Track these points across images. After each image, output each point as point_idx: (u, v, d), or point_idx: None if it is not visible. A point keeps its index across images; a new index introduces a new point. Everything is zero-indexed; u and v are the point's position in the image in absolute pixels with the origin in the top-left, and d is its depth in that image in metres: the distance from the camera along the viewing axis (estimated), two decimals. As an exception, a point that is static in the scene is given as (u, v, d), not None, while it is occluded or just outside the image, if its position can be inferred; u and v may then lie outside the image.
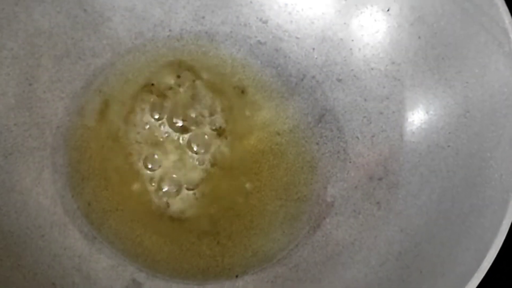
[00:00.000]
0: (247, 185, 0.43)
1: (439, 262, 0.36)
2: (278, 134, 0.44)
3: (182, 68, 0.45)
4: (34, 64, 0.42)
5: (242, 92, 0.44)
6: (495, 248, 0.33)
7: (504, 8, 0.38)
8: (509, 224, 0.34)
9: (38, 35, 0.42)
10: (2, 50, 0.41)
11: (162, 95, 0.44)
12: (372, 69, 0.44)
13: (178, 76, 0.45)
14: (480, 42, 0.39)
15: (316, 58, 0.45)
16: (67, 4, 0.43)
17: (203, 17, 0.45)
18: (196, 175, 0.42)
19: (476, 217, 0.36)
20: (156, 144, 0.43)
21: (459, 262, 0.35)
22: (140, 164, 0.42)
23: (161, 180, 0.42)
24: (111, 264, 0.40)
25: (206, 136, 0.43)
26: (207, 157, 0.43)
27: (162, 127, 0.43)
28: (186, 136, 0.43)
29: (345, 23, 0.44)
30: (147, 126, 0.43)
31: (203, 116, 0.44)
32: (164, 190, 0.42)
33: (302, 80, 0.45)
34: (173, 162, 0.43)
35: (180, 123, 0.43)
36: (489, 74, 0.38)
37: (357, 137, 0.43)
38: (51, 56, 0.43)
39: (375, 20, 0.44)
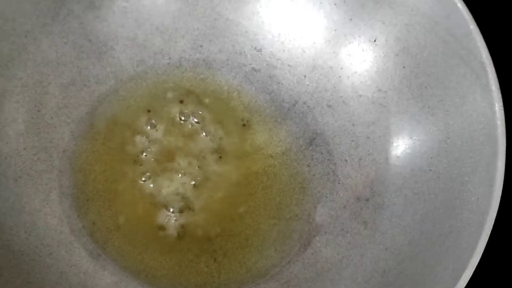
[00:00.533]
0: (242, 206, 0.44)
1: (420, 280, 0.38)
2: (271, 156, 0.46)
3: (183, 94, 0.47)
4: (42, 92, 0.44)
5: (244, 125, 0.46)
6: (471, 267, 0.35)
7: (481, 43, 0.39)
8: (484, 245, 0.36)
9: (46, 64, 0.44)
10: (12, 80, 0.43)
11: (164, 121, 0.46)
12: (360, 96, 0.46)
13: (181, 101, 0.46)
14: (460, 73, 0.40)
15: (308, 84, 0.47)
16: (73, 35, 0.45)
17: (201, 46, 0.47)
18: (195, 196, 0.44)
19: (455, 238, 0.38)
20: (158, 166, 0.45)
21: (438, 280, 0.37)
22: (142, 185, 0.44)
23: (162, 200, 0.44)
24: (114, 280, 0.41)
25: (204, 158, 0.45)
26: (205, 179, 0.45)
27: (163, 148, 0.45)
28: (186, 157, 0.45)
29: (334, 52, 0.46)
30: (149, 149, 0.45)
31: (203, 138, 0.46)
32: (165, 210, 0.44)
33: (294, 105, 0.47)
34: (173, 183, 0.44)
35: (181, 145, 0.45)
36: (468, 104, 0.40)
37: (346, 160, 0.45)
38: (58, 84, 0.45)
39: (362, 50, 0.45)
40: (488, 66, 0.39)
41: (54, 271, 0.40)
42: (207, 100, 0.47)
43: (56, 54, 0.45)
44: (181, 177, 0.45)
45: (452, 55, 0.41)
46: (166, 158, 0.45)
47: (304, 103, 0.47)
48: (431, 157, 0.42)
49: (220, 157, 0.46)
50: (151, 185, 0.44)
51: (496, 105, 0.38)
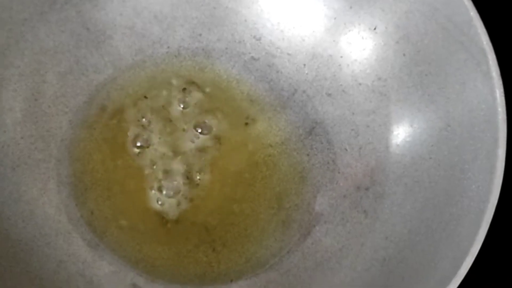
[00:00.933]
0: (241, 196, 0.44)
1: (420, 268, 0.38)
2: (271, 146, 0.46)
3: (182, 83, 0.46)
4: (40, 81, 0.44)
5: (243, 114, 0.46)
6: (471, 256, 0.35)
7: (482, 29, 0.39)
8: (485, 233, 0.35)
9: (44, 53, 0.44)
10: (9, 68, 0.43)
11: (162, 109, 0.46)
12: (359, 84, 0.45)
13: (179, 90, 0.46)
14: (460, 60, 0.40)
15: (307, 73, 0.47)
16: (71, 23, 0.45)
17: (200, 35, 0.47)
18: (194, 185, 0.44)
19: (455, 226, 0.37)
20: (157, 155, 0.45)
21: (438, 269, 0.36)
22: (141, 175, 0.44)
23: (160, 189, 0.44)
24: (112, 269, 0.41)
25: (203, 148, 0.45)
26: (204, 168, 0.45)
27: (161, 138, 0.45)
28: (185, 146, 0.45)
29: (334, 41, 0.46)
30: (148, 138, 0.45)
31: (202, 128, 0.45)
32: (164, 199, 0.43)
33: (294, 94, 0.47)
34: (172, 173, 0.44)
35: (179, 135, 0.45)
36: (468, 91, 0.40)
37: (346, 149, 0.45)
38: (55, 72, 0.44)
39: (362, 38, 0.45)
40: (488, 52, 0.38)
41: (52, 260, 0.40)
42: (206, 89, 0.47)
43: (54, 42, 0.44)
44: (180, 166, 0.44)
45: (452, 42, 0.41)
46: (165, 147, 0.44)
47: (304, 92, 0.47)
48: (432, 145, 0.42)
49: (219, 146, 0.45)
50: (150, 175, 0.44)
51: (497, 91, 0.38)
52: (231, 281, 0.42)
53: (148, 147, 0.45)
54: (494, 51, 0.39)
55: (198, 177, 0.44)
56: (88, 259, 0.41)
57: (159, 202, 0.43)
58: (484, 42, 0.39)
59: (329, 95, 0.46)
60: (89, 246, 0.42)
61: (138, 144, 0.45)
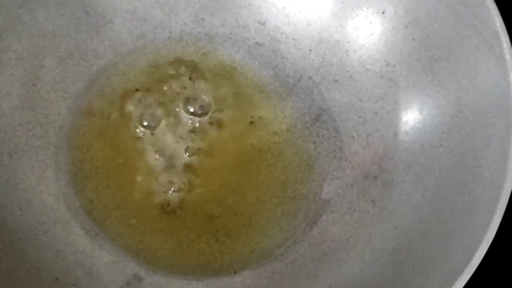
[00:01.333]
0: (245, 184, 0.43)
1: (431, 258, 0.37)
2: (276, 133, 0.45)
3: (184, 68, 0.45)
4: (38, 65, 0.43)
5: (247, 101, 0.45)
6: (485, 245, 0.34)
7: (495, 11, 0.38)
8: (499, 221, 0.34)
9: (42, 36, 0.43)
10: (6, 52, 0.42)
11: (164, 95, 0.44)
12: (367, 70, 0.44)
13: (182, 76, 0.45)
14: (472, 44, 0.39)
15: (313, 59, 0.46)
16: (70, 6, 0.44)
17: (203, 19, 0.46)
18: (196, 174, 0.43)
19: (467, 215, 0.36)
20: (158, 142, 0.44)
21: (450, 259, 0.35)
22: (142, 162, 0.43)
23: (162, 177, 0.43)
24: (112, 260, 0.40)
25: (206, 135, 0.44)
26: (207, 157, 0.44)
27: (162, 124, 0.44)
28: (188, 133, 0.44)
29: (341, 25, 0.45)
30: (148, 124, 0.44)
31: (205, 115, 0.44)
32: (165, 187, 0.42)
33: (299, 80, 0.46)
34: (174, 160, 0.43)
35: (181, 121, 0.44)
36: (480, 76, 0.39)
37: (353, 137, 0.44)
38: (54, 57, 0.43)
39: (370, 22, 0.44)
40: (502, 35, 0.38)
41: (50, 250, 0.39)
42: (209, 75, 0.45)
43: (53, 26, 0.43)
44: (182, 153, 0.43)
45: (464, 26, 0.40)
46: (166, 133, 0.43)
47: (310, 78, 0.46)
48: (442, 132, 0.41)
49: (223, 133, 0.44)
50: (152, 162, 0.43)
51: (511, 75, 0.37)
52: (235, 272, 0.41)
53: (150, 134, 0.43)
54: (507, 34, 0.38)
55: (200, 165, 0.43)
56: (87, 249, 0.40)
57: (161, 191, 0.42)
58: (498, 24, 0.38)
59: (335, 81, 0.45)
60: (88, 235, 0.41)
61: (139, 130, 0.44)
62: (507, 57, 0.37)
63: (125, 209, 0.42)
